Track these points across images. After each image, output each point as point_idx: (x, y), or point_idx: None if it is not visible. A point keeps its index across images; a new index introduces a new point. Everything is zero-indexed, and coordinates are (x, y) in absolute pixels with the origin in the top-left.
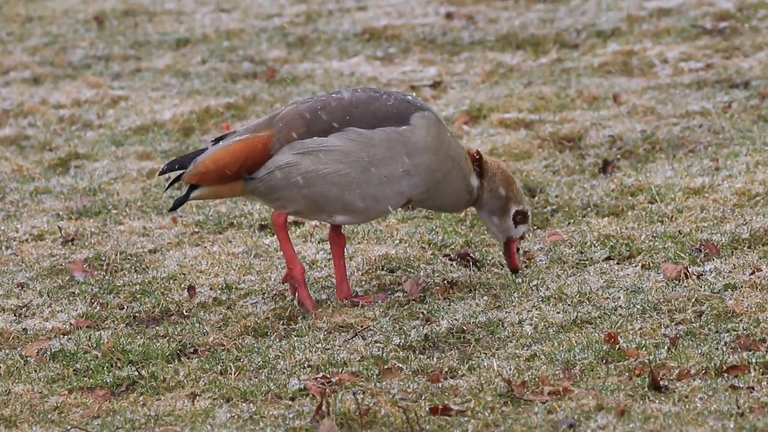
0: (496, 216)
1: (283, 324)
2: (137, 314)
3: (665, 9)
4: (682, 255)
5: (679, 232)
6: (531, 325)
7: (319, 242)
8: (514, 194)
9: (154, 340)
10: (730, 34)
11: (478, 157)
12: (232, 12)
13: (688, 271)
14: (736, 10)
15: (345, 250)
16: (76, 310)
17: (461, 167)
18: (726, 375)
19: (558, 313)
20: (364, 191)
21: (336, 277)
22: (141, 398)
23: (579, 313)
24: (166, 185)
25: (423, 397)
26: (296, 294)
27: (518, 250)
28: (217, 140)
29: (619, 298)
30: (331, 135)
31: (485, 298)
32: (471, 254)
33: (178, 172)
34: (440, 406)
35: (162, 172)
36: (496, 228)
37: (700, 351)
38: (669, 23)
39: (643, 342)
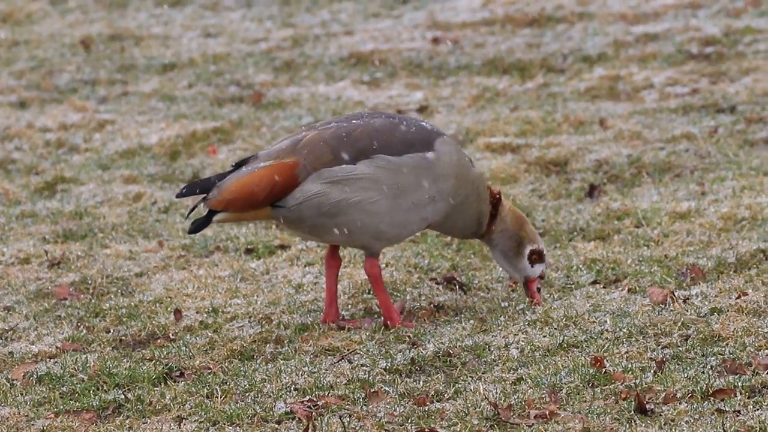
0: (511, 256)
1: (269, 347)
2: (123, 338)
3: (651, 34)
4: (668, 279)
5: (665, 256)
6: (517, 348)
7: (305, 266)
8: (527, 234)
9: (141, 364)
10: (717, 60)
11: (498, 197)
12: (219, 36)
13: (674, 295)
14: (722, 35)
15: (339, 274)
16: (63, 334)
17: (478, 192)
18: (712, 399)
19: (544, 336)
20: (393, 218)
21: (326, 299)
22: (127, 422)
23: (565, 337)
24: (188, 211)
25: (409, 421)
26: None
27: (539, 289)
28: (238, 165)
29: (606, 321)
30: (360, 162)
31: (471, 321)
32: (457, 278)
33: (199, 196)
34: (426, 430)
35: (180, 195)
36: (513, 269)
37: (686, 375)
38: (655, 48)
39: (630, 366)
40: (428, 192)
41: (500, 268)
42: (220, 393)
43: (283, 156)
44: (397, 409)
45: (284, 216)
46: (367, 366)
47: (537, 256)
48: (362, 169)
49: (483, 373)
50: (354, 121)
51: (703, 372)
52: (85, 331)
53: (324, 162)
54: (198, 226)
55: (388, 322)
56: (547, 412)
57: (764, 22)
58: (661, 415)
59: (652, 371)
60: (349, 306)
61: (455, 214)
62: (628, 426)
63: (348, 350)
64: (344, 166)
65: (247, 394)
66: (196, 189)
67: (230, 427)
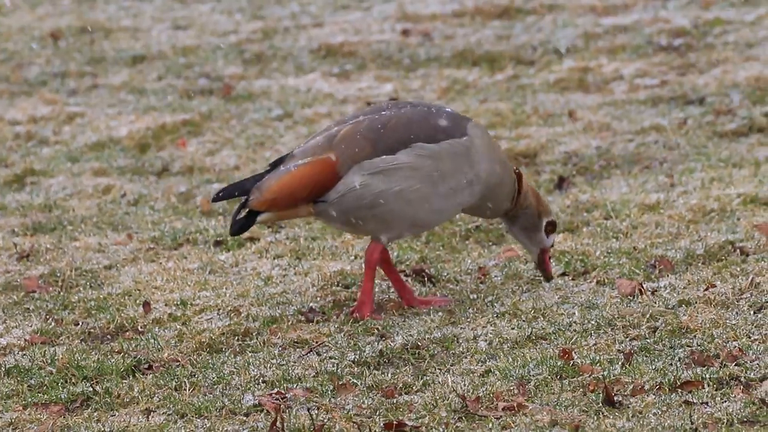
0: (530, 230)
1: (237, 340)
2: (92, 330)
3: (621, 26)
4: (637, 271)
5: (633, 248)
6: (486, 340)
7: (274, 258)
8: (544, 207)
9: (109, 356)
10: (686, 51)
11: (518, 173)
12: (189, 29)
13: (642, 287)
14: (691, 27)
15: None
16: (31, 326)
17: (509, 175)
18: (680, 390)
19: (513, 329)
20: (433, 205)
21: (396, 287)
22: (95, 414)
23: (534, 329)
24: (234, 213)
25: (378, 413)
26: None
27: (550, 258)
28: (275, 164)
29: (574, 313)
30: (399, 152)
31: (440, 314)
32: (426, 270)
33: (237, 198)
34: (395, 422)
35: (218, 199)
36: (530, 242)
37: (654, 367)
38: (625, 40)
39: (598, 358)
40: (466, 176)
41: (515, 244)
42: (188, 385)
43: (321, 152)
44: (366, 402)
45: (325, 211)
46: (335, 358)
47: (551, 227)
48: (402, 158)
49: (451, 366)
50: (384, 113)
51: (671, 364)
52: (53, 323)
53: (363, 155)
54: (241, 227)
55: (357, 313)
56: (515, 404)
57: (733, 13)
58: (629, 407)
59: (620, 363)
60: (318, 298)
61: (490, 196)
62: (596, 418)
63: (316, 342)
64: (384, 156)
65: (215, 387)
66: (234, 191)
67: (198, 420)
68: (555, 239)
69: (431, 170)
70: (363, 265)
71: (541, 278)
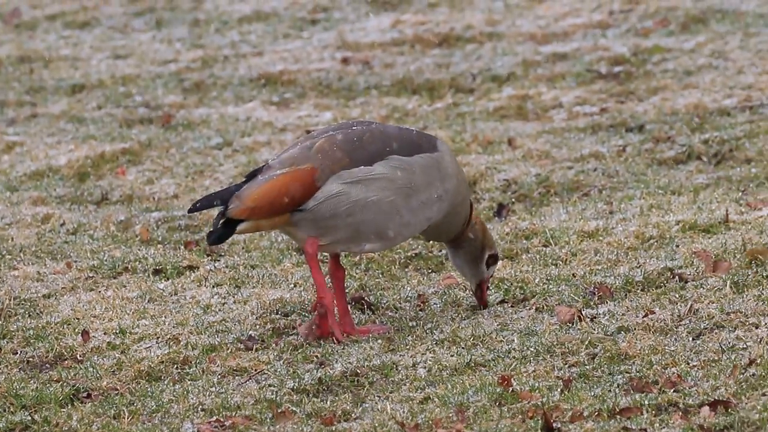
0: (472, 261)
1: (176, 368)
2: (30, 359)
3: (560, 54)
4: (576, 298)
5: (573, 275)
6: (425, 368)
7: (213, 286)
8: (489, 240)
9: (48, 385)
10: (625, 79)
11: (470, 204)
12: (128, 58)
13: (581, 313)
14: (630, 54)
15: (344, 282)
16: None
17: (469, 193)
18: (619, 417)
19: (452, 355)
20: (403, 218)
21: (339, 310)
22: None
23: (473, 356)
24: (216, 222)
25: None
26: (315, 324)
27: (488, 288)
28: (252, 174)
29: (513, 340)
30: (376, 164)
31: (379, 341)
32: (365, 298)
33: (214, 208)
34: None
35: (194, 209)
36: (471, 272)
37: (593, 393)
38: (564, 68)
39: (537, 384)
40: (437, 191)
41: (454, 271)
42: (127, 414)
43: (299, 162)
44: (305, 429)
45: (302, 219)
46: (274, 386)
47: (493, 260)
48: (380, 169)
49: (390, 393)
50: (355, 128)
51: (610, 390)
52: None
53: (342, 165)
54: (219, 237)
55: (319, 304)
56: (454, 431)
57: (672, 41)
58: None
59: (559, 390)
60: (257, 326)
61: (452, 215)
62: None
63: (255, 370)
64: (362, 167)
65: (154, 415)
66: (213, 201)
67: None
68: (494, 270)
69: (406, 183)
70: (301, 294)
71: (473, 306)
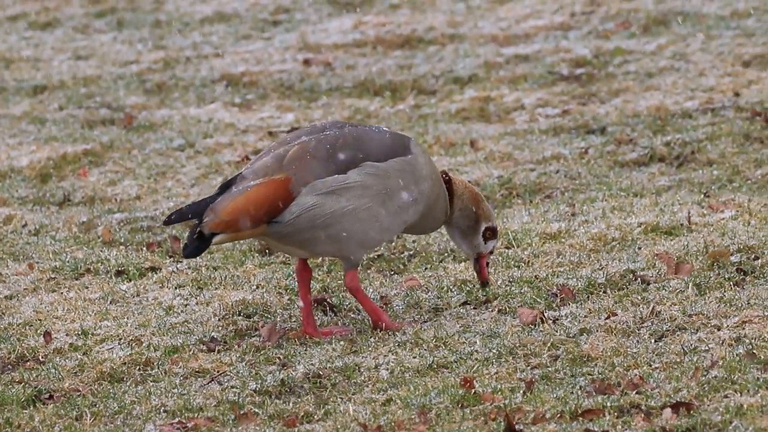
0: (467, 234)
1: (139, 369)
2: None
3: (522, 55)
4: (538, 300)
5: (535, 276)
6: (387, 369)
7: (176, 288)
8: (484, 212)
9: (10, 386)
10: (587, 81)
11: (447, 178)
12: (90, 59)
13: (544, 315)
14: (592, 56)
15: (310, 283)
16: None
17: (442, 189)
18: (581, 419)
19: (414, 357)
20: (382, 224)
21: (303, 311)
22: None
23: (435, 358)
24: (191, 236)
25: None
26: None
27: (487, 264)
28: (225, 185)
29: (476, 342)
30: (350, 171)
31: (342, 342)
32: (328, 299)
33: (188, 221)
34: None
35: (169, 221)
36: (467, 245)
37: (555, 395)
38: (526, 69)
39: (499, 386)
40: (411, 194)
41: (452, 243)
42: (89, 415)
43: (272, 173)
44: (267, 431)
45: (279, 231)
46: (237, 388)
47: (491, 233)
48: (354, 177)
49: (353, 395)
50: (327, 132)
51: (572, 392)
52: None
53: (315, 174)
54: (195, 249)
55: (381, 324)
56: None
57: (634, 43)
58: None
59: (521, 391)
60: (219, 328)
61: (429, 213)
62: None
63: (218, 372)
64: (336, 176)
65: (116, 417)
66: (188, 214)
67: None
68: (494, 246)
69: (381, 188)
70: (263, 296)
71: (443, 307)
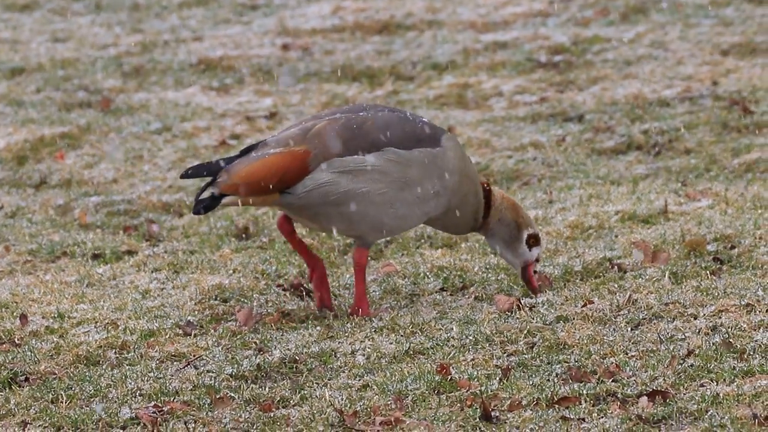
0: (511, 243)
1: (115, 353)
2: None
3: (501, 42)
4: (515, 287)
5: None
6: (364, 355)
7: (152, 271)
8: (524, 219)
9: None
10: (565, 68)
11: (487, 187)
12: (68, 41)
13: (520, 302)
14: (570, 44)
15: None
16: None
17: (477, 190)
18: (557, 406)
19: (391, 343)
20: (398, 211)
21: (306, 260)
22: None
23: (412, 344)
24: (199, 192)
25: (255, 427)
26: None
27: (535, 272)
28: (246, 150)
29: (452, 329)
30: (370, 154)
31: (318, 328)
32: (304, 285)
33: (206, 179)
34: None
35: (186, 176)
36: (512, 255)
37: (531, 382)
38: (504, 56)
39: (475, 373)
40: (434, 187)
41: (496, 257)
42: (65, 398)
43: (294, 144)
44: (243, 415)
45: (291, 203)
46: (213, 372)
47: (534, 240)
48: (372, 160)
49: (329, 380)
50: (361, 113)
51: (549, 380)
52: None
53: (335, 152)
54: (204, 207)
55: (359, 310)
56: (392, 419)
57: (612, 31)
58: (506, 422)
59: (497, 378)
60: (196, 312)
61: (455, 210)
62: None
63: (194, 356)
64: (355, 157)
65: (92, 400)
66: (203, 171)
67: None
68: (539, 253)
69: (400, 176)
70: (240, 280)
71: (420, 294)
